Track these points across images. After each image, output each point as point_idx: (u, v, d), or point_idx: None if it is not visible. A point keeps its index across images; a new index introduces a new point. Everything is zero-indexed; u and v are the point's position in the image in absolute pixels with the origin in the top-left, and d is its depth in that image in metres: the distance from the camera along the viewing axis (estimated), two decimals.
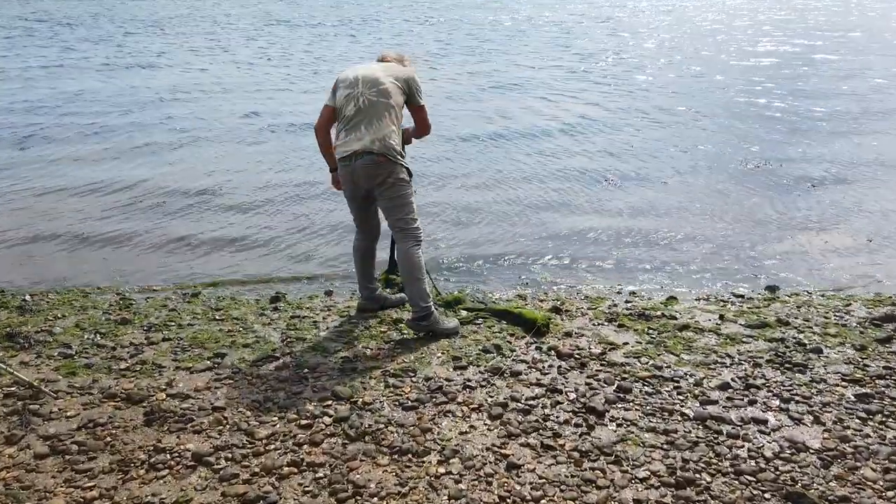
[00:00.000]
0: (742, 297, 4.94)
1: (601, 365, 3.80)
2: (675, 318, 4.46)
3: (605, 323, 4.42)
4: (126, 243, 6.12)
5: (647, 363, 3.81)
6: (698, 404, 3.38)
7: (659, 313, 4.53)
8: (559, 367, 3.78)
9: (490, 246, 6.01)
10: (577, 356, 3.90)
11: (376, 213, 4.34)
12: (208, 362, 3.85)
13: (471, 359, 3.87)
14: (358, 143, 3.97)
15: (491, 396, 3.46)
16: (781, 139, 9.37)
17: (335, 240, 6.12)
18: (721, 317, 4.48)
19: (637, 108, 11.27)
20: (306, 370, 3.75)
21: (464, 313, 4.55)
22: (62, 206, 7.04)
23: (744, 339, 4.12)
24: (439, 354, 3.94)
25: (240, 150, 9.11)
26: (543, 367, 3.78)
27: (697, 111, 11.05)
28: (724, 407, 3.36)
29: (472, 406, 3.36)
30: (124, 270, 5.55)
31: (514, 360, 3.87)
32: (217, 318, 4.53)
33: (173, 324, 4.41)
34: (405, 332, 4.24)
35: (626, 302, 4.83)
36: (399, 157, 4.05)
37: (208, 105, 11.71)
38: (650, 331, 4.27)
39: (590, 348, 4.01)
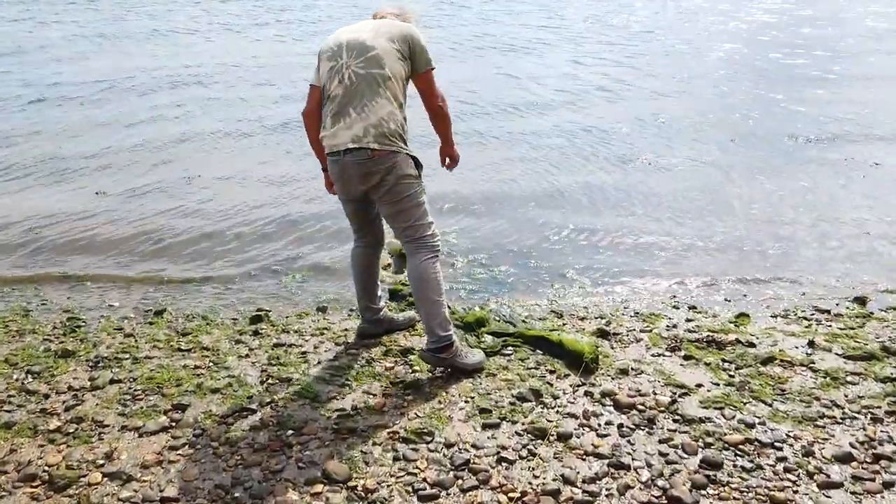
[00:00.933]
0: (827, 312, 4.04)
1: (674, 421, 2.92)
2: (754, 346, 3.56)
3: (667, 353, 3.53)
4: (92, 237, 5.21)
5: (733, 418, 2.92)
6: (816, 488, 2.51)
7: (732, 338, 3.63)
8: (620, 424, 2.90)
9: (515, 244, 5.09)
10: (640, 407, 3.02)
11: (379, 214, 3.42)
12: (165, 418, 2.98)
13: (503, 410, 2.99)
14: (346, 134, 3.05)
15: (536, 477, 2.59)
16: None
17: (333, 243, 5.21)
18: (810, 343, 3.59)
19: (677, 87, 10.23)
20: (290, 432, 2.87)
21: (488, 339, 3.66)
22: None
23: (848, 379, 3.23)
24: (462, 404, 3.06)
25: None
26: (600, 424, 2.90)
27: (738, 84, 10.01)
28: (853, 494, 2.48)
29: (512, 495, 2.49)
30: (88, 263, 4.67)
31: (559, 411, 2.99)
32: (183, 346, 3.65)
33: (127, 356, 3.53)
34: (417, 366, 3.37)
35: (688, 321, 3.93)
36: (401, 146, 3.11)
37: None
38: (726, 365, 3.38)
39: (654, 394, 3.12)
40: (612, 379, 3.26)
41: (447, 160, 3.56)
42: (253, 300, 4.29)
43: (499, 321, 3.89)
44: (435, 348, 3.23)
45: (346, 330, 3.83)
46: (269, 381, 3.29)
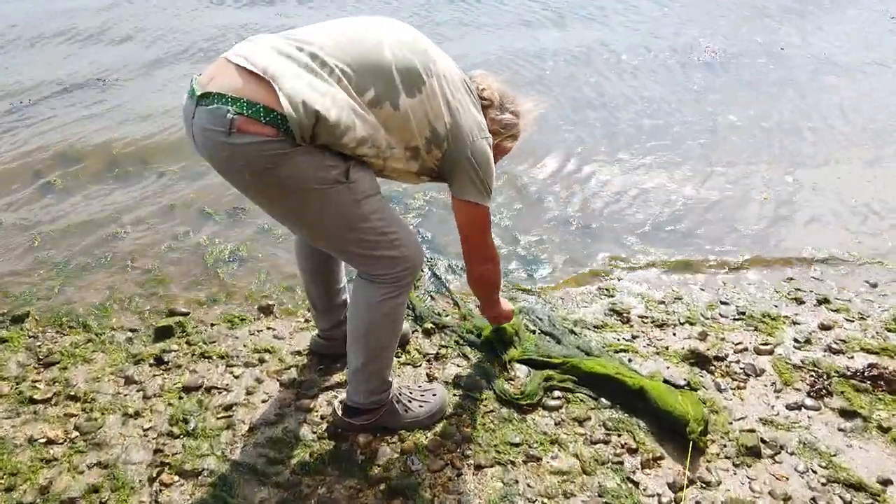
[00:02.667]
0: None
1: None
2: None
3: (811, 401, 2.20)
4: None
5: None
6: None
7: None
8: None
9: (552, 198, 3.64)
10: None
11: None
12: None
13: None
14: None
15: None
16: None
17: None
18: None
19: None
20: None
21: (522, 373, 2.33)
22: None
23: None
24: None
25: None
26: None
27: None
28: None
29: None
30: None
31: None
32: (38, 393, 2.29)
33: None
34: (411, 440, 2.06)
35: (823, 328, 2.57)
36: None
37: None
38: None
39: None
40: (736, 469, 1.95)
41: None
42: (164, 293, 2.89)
43: (535, 331, 2.54)
44: (356, 410, 2.04)
45: (298, 354, 2.47)
46: (165, 475, 1.97)
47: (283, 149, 1.56)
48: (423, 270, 2.99)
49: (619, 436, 2.07)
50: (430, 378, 2.33)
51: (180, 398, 2.26)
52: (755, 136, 4.29)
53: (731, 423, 2.11)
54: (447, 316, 2.67)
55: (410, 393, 2.14)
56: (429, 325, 2.58)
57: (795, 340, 2.49)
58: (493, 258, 1.99)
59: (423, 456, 2.00)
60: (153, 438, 2.10)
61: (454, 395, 2.24)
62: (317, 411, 2.19)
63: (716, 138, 4.27)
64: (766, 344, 2.47)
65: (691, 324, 2.61)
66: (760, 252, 3.11)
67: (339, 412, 2.06)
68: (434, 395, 2.16)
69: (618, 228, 3.33)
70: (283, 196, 1.66)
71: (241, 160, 1.58)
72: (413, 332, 2.56)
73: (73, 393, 2.29)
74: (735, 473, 1.94)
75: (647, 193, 3.65)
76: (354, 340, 1.95)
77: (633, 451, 2.01)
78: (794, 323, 2.60)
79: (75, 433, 2.13)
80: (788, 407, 2.18)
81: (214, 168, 1.67)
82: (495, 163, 1.92)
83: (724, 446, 2.03)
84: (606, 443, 2.04)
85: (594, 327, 2.59)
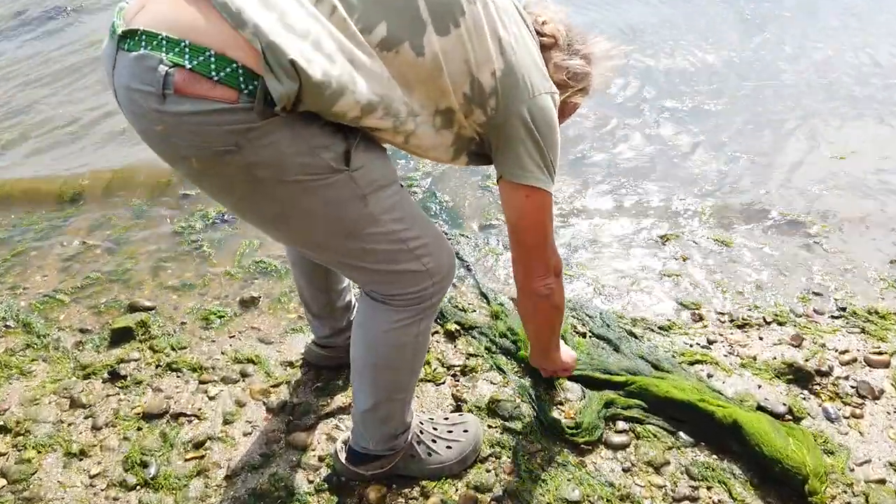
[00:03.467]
0: None
1: None
2: None
3: None
4: None
5: None
6: None
7: None
8: None
9: (591, 143, 3.06)
10: None
11: None
12: None
13: None
14: None
15: None
16: None
17: None
18: None
19: None
20: None
21: (574, 394, 1.82)
22: None
23: None
24: None
25: None
26: None
27: None
28: None
29: None
30: None
31: None
32: None
33: None
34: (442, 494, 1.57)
35: None
36: None
37: None
38: None
39: None
40: None
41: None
42: (125, 278, 2.36)
43: (586, 334, 2.02)
44: (363, 455, 1.52)
45: (289, 366, 1.96)
46: None
47: (247, 121, 1.00)
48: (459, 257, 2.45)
49: (710, 488, 1.58)
50: (458, 402, 1.83)
51: (139, 429, 1.77)
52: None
53: (852, 470, 1.62)
54: (474, 311, 2.15)
55: (434, 429, 1.64)
56: (452, 327, 2.06)
57: None
58: (555, 269, 1.42)
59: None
60: (101, 490, 1.61)
61: (489, 426, 1.75)
62: (314, 449, 1.70)
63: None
64: (879, 352, 1.96)
65: (780, 323, 2.09)
66: (850, 226, 2.57)
67: (343, 458, 1.57)
68: (465, 430, 1.66)
69: (671, 188, 2.77)
70: (251, 192, 1.10)
71: (182, 139, 1.02)
72: (433, 336, 2.05)
73: (1, 422, 1.79)
74: None
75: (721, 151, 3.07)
76: (361, 377, 1.43)
77: None
78: None
79: (1, 482, 1.64)
80: None
81: (149, 146, 1.10)
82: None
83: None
84: (694, 500, 1.55)
85: (659, 328, 2.07)
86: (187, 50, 0.97)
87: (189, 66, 0.97)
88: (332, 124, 1.08)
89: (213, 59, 0.97)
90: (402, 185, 1.26)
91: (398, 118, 1.13)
